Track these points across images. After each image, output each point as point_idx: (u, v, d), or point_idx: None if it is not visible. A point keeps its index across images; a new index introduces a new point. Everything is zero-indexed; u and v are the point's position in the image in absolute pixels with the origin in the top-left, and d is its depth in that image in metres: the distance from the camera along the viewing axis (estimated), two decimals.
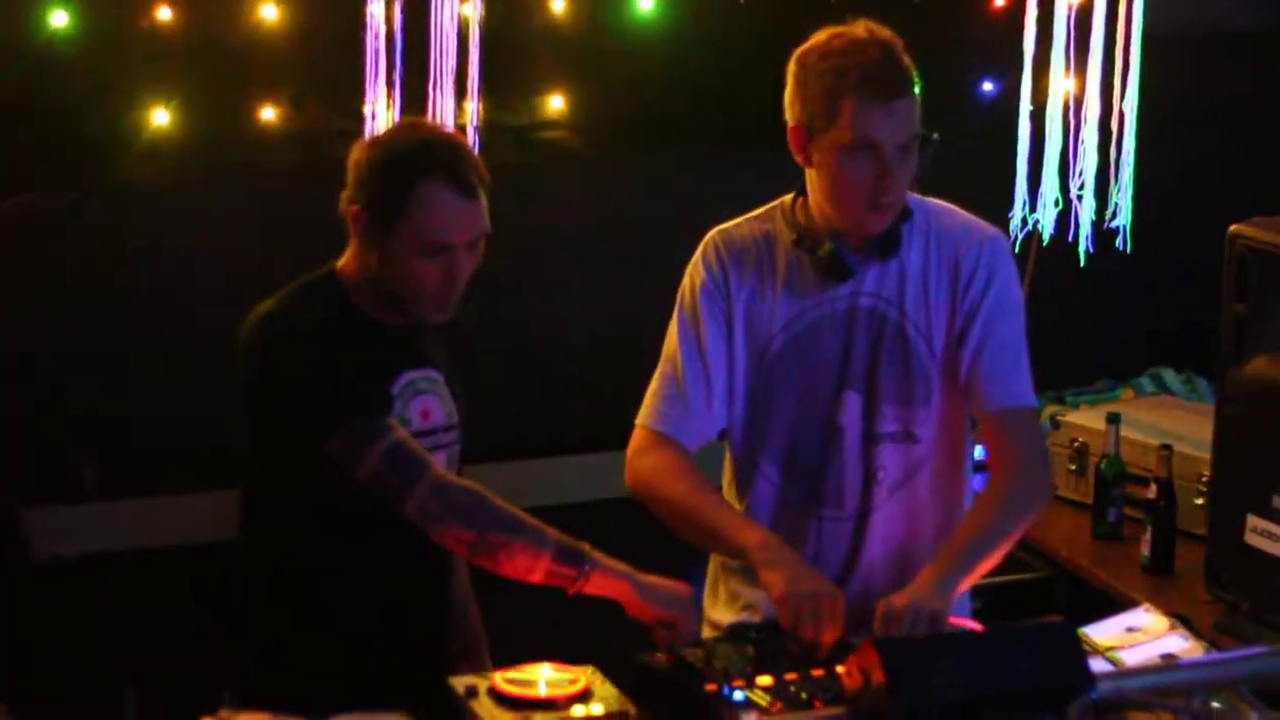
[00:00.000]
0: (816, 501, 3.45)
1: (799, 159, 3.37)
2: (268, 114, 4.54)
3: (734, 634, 3.32)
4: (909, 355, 3.41)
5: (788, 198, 3.46)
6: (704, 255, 3.46)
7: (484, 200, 3.23)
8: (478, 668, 3.36)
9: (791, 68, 3.36)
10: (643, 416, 3.45)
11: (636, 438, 3.45)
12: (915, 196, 3.45)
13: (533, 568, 3.15)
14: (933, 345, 3.42)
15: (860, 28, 3.33)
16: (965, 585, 3.27)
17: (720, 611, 3.54)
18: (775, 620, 3.20)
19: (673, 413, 3.42)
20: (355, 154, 3.25)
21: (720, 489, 3.51)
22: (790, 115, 3.35)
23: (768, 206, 3.48)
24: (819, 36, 3.35)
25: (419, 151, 3.21)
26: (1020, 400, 3.41)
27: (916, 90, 3.33)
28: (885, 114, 3.26)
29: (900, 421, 3.43)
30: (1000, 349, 3.41)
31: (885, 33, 3.34)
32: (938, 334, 3.42)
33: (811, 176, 3.38)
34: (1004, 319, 3.42)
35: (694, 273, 3.46)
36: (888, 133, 3.26)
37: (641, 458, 3.43)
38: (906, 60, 3.32)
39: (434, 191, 3.16)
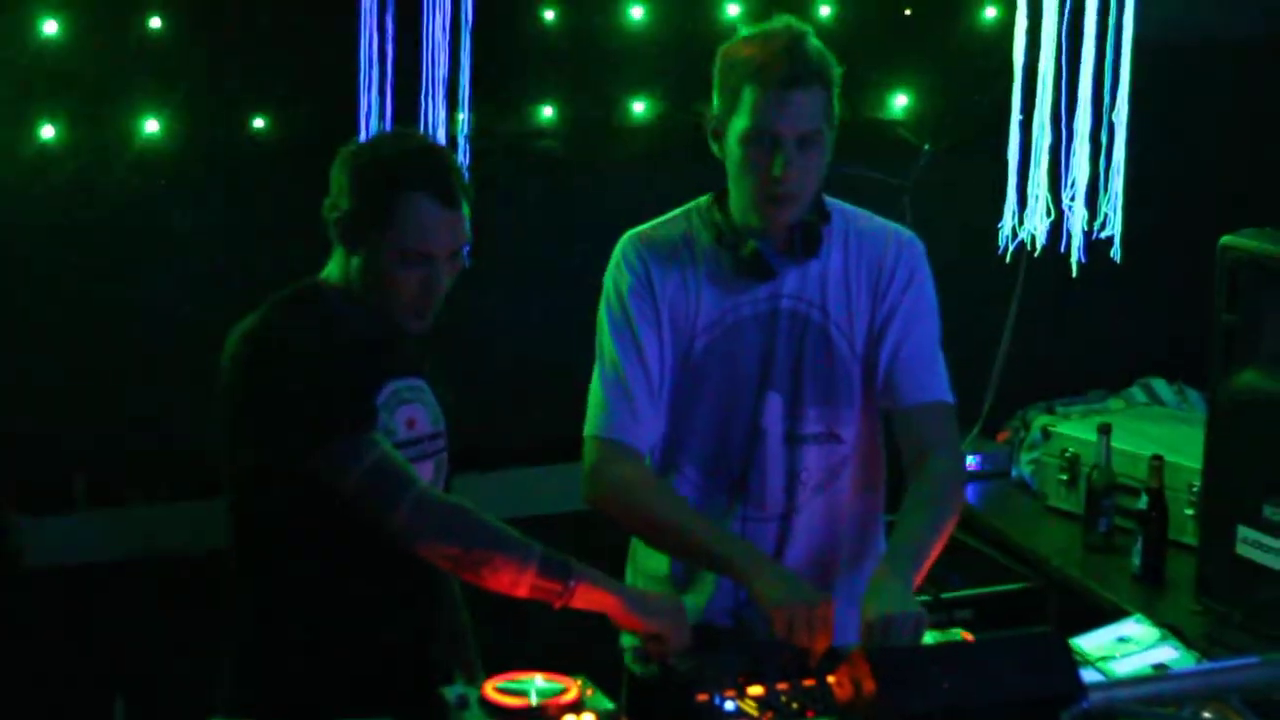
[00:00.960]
0: (740, 502, 3.46)
1: (714, 150, 3.40)
2: (259, 122, 4.54)
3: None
4: (832, 356, 3.44)
5: (704, 199, 3.48)
6: (624, 258, 3.45)
7: (466, 211, 3.23)
8: (469, 677, 3.36)
9: (716, 62, 3.39)
10: (593, 427, 3.42)
11: (592, 450, 3.41)
12: (834, 201, 3.48)
13: (517, 583, 3.14)
14: (854, 346, 3.45)
15: (778, 22, 3.36)
16: (917, 580, 3.28)
17: None
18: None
19: (624, 419, 3.39)
20: (339, 161, 3.25)
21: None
22: (716, 106, 3.38)
23: (682, 209, 3.49)
24: (741, 31, 3.39)
25: (403, 160, 3.21)
26: (937, 395, 3.45)
27: (828, 84, 3.33)
28: (781, 104, 3.28)
29: (823, 423, 3.46)
30: (917, 347, 3.45)
31: (800, 26, 3.35)
32: (859, 334, 3.45)
33: (728, 169, 3.40)
34: (921, 320, 3.47)
35: (617, 277, 3.44)
36: (784, 123, 3.28)
37: (603, 470, 3.40)
38: (815, 53, 3.32)
39: (417, 201, 3.16)
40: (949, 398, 3.47)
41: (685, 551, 3.39)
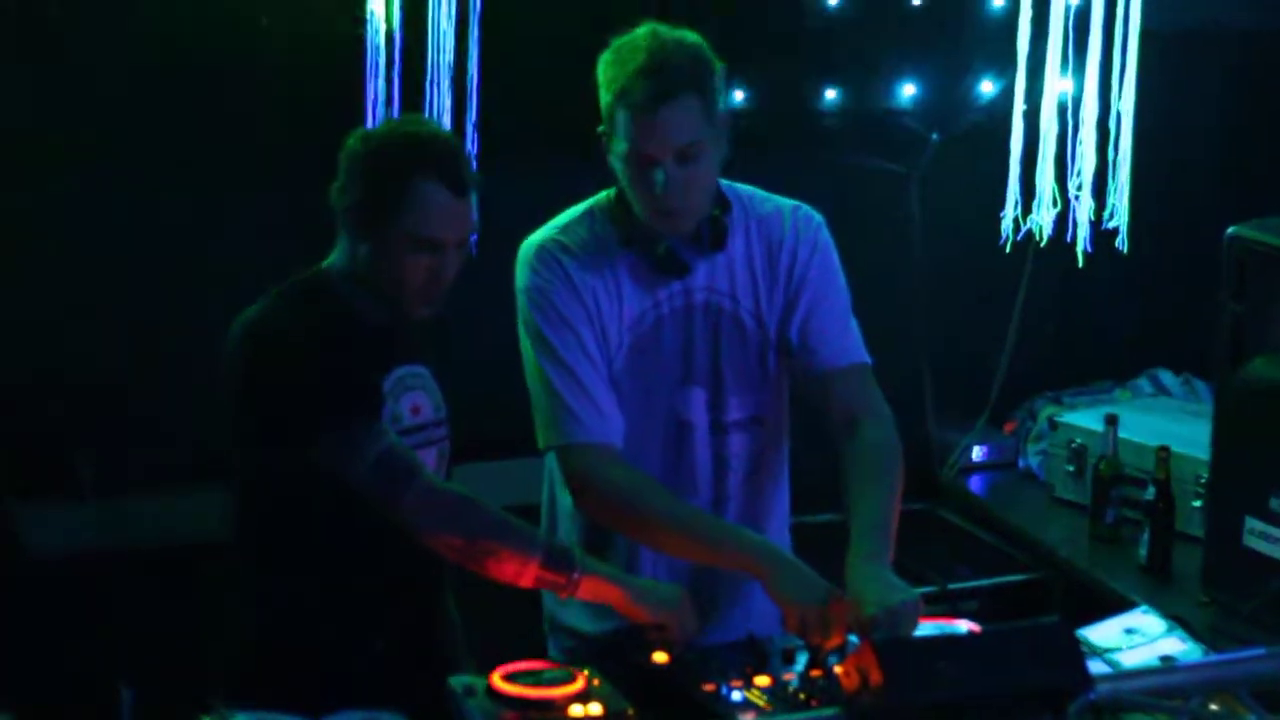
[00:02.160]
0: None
1: (608, 159, 3.36)
2: (270, 111, 4.54)
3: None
4: (746, 342, 3.44)
5: (602, 197, 3.44)
6: (541, 260, 3.37)
7: (473, 198, 3.23)
8: (457, 668, 3.37)
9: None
10: (562, 436, 3.33)
11: (573, 460, 3.33)
12: (730, 186, 3.46)
13: (521, 574, 3.15)
14: (767, 329, 3.45)
15: (642, 31, 3.29)
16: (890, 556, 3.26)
17: (576, 617, 3.50)
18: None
19: (590, 418, 3.33)
20: (347, 149, 3.25)
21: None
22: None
23: (580, 210, 3.45)
24: (616, 40, 3.32)
25: (413, 148, 3.21)
26: (855, 358, 3.46)
27: (703, 88, 3.26)
28: (649, 126, 3.23)
29: (746, 409, 3.46)
30: (829, 314, 3.45)
31: (665, 33, 3.28)
32: (771, 317, 3.45)
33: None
34: (829, 288, 3.46)
35: (540, 284, 3.36)
36: (656, 145, 3.24)
37: (596, 476, 3.32)
38: (681, 61, 3.25)
39: (427, 189, 3.16)
40: (867, 359, 3.47)
41: (694, 550, 3.34)
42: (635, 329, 3.39)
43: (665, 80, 3.22)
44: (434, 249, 3.18)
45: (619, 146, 3.28)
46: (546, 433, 3.35)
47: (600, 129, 3.33)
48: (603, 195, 3.45)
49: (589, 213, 3.44)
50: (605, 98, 3.29)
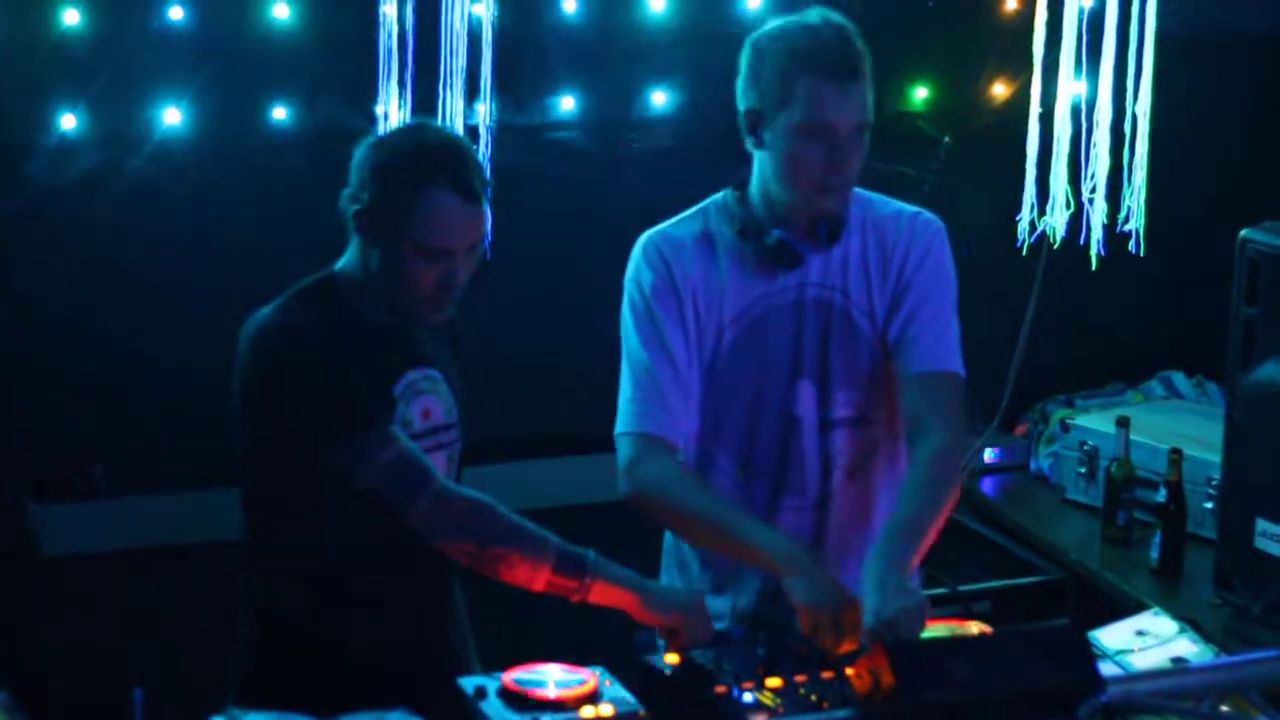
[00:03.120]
0: (777, 492, 3.47)
1: (750, 143, 3.38)
2: (279, 114, 4.54)
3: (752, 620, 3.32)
4: (857, 339, 3.45)
5: (719, 196, 3.48)
6: (645, 258, 3.44)
7: (484, 204, 3.23)
8: (468, 668, 3.38)
9: (745, 53, 3.37)
10: (626, 425, 3.40)
11: (627, 447, 3.40)
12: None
13: (533, 578, 3.16)
14: (877, 327, 3.45)
15: (814, 14, 3.35)
16: (914, 563, 3.27)
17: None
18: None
19: (657, 413, 3.38)
20: (359, 154, 3.25)
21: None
22: (743, 100, 3.37)
23: (697, 208, 3.49)
24: (774, 22, 3.38)
25: (423, 155, 3.20)
26: (945, 365, 3.43)
27: (870, 77, 3.33)
28: (840, 96, 3.28)
29: (854, 406, 3.47)
30: (930, 319, 3.44)
31: (841, 19, 3.35)
32: (880, 315, 3.46)
33: (762, 161, 3.39)
34: (935, 292, 3.47)
35: (639, 277, 3.43)
36: (842, 114, 3.29)
37: (639, 466, 3.38)
38: (861, 46, 3.33)
39: (437, 196, 3.16)
40: (959, 369, 3.45)
41: (721, 545, 3.38)
42: (739, 322, 3.42)
43: (856, 57, 3.31)
44: (444, 256, 3.18)
45: (791, 117, 3.29)
46: (617, 421, 3.42)
47: (748, 108, 3.34)
48: (719, 195, 3.48)
49: (703, 210, 3.48)
50: (775, 72, 3.30)
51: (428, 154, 3.20)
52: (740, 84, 3.38)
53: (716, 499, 3.38)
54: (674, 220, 3.49)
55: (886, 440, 3.50)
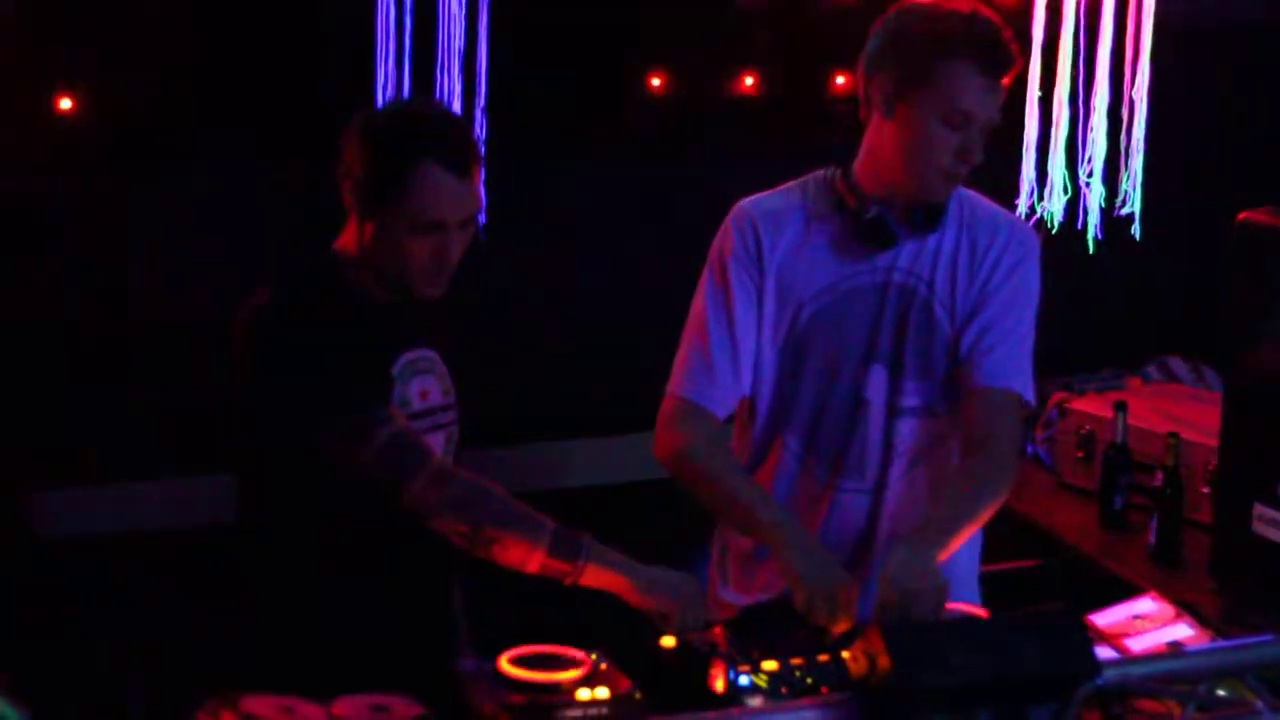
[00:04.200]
0: (837, 473, 3.48)
1: (869, 112, 3.39)
2: (276, 94, 4.53)
3: (749, 613, 3.31)
4: (933, 331, 3.44)
5: (820, 173, 3.48)
6: (735, 223, 3.46)
7: (477, 179, 3.22)
8: (465, 651, 3.38)
9: (889, 23, 3.37)
10: (672, 384, 3.45)
11: (666, 407, 3.45)
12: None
13: (526, 561, 3.16)
14: (955, 325, 3.45)
15: (965, 3, 3.37)
16: (941, 556, 3.25)
17: (731, 593, 3.53)
18: (785, 600, 3.20)
19: (701, 380, 3.41)
20: (352, 128, 3.25)
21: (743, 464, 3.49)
22: (873, 66, 3.37)
23: (797, 181, 3.50)
24: (913, 4, 3.37)
25: (414, 129, 3.21)
26: (1010, 384, 3.42)
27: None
28: (989, 90, 3.32)
29: (921, 396, 3.46)
30: (1006, 333, 3.43)
31: (991, 12, 3.38)
32: (960, 313, 3.45)
33: (883, 132, 3.38)
34: (1018, 308, 3.45)
35: (724, 241, 3.46)
36: (985, 107, 3.33)
37: (671, 428, 3.43)
38: (1012, 45, 3.35)
39: (428, 170, 3.16)
40: (1026, 392, 3.44)
41: (727, 514, 3.41)
42: (822, 298, 3.43)
43: (1012, 56, 3.35)
44: (437, 230, 3.18)
45: (935, 99, 3.30)
46: (670, 378, 3.45)
47: (882, 77, 3.34)
48: (821, 171, 3.49)
49: (803, 183, 3.49)
50: (925, 49, 3.31)
51: (419, 127, 3.21)
52: (872, 51, 3.38)
53: (725, 464, 3.39)
54: (773, 190, 3.50)
55: (950, 436, 3.49)
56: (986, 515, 3.34)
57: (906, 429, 3.47)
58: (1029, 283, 3.49)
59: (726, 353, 3.42)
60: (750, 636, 3.07)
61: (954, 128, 3.31)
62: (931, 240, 3.43)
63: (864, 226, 3.40)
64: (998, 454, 3.38)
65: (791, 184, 3.50)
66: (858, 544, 3.47)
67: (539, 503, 3.34)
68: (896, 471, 3.48)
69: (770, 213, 3.45)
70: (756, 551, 3.50)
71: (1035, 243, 3.52)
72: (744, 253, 3.43)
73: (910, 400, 3.46)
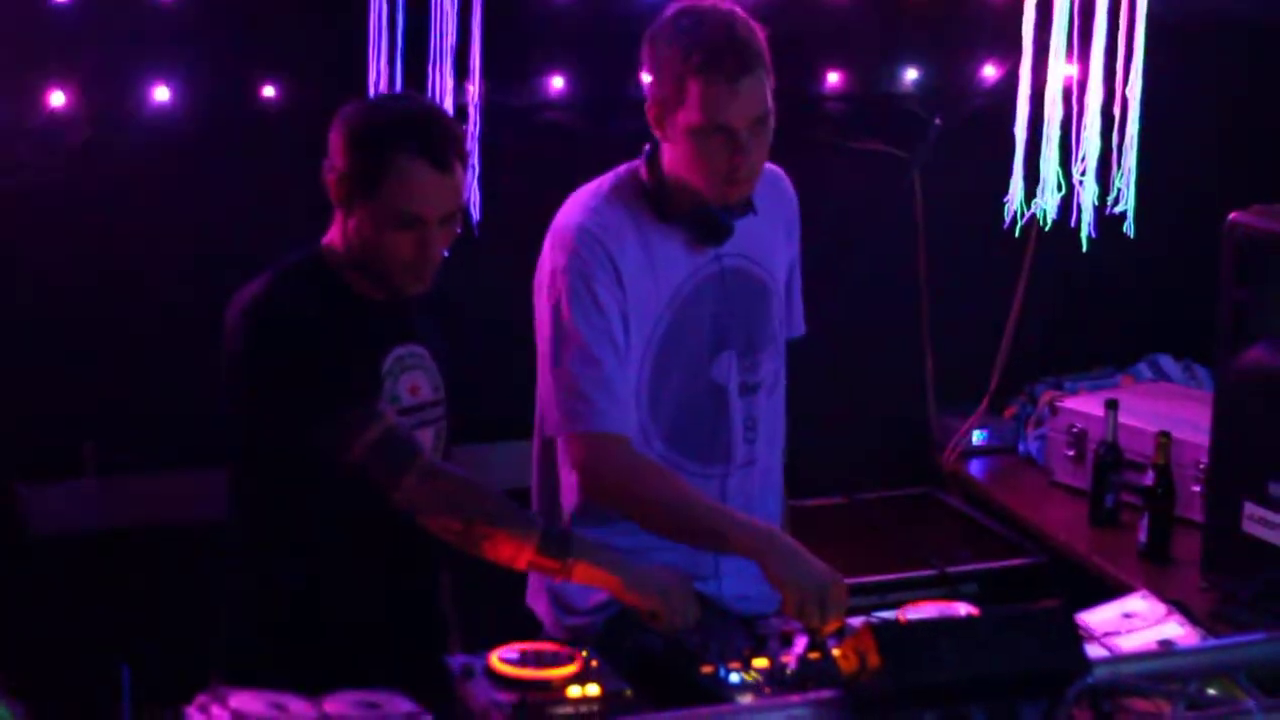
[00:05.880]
0: (710, 461, 3.49)
1: (655, 132, 3.38)
2: (269, 91, 4.53)
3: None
4: (767, 302, 3.53)
5: (626, 175, 3.45)
6: (585, 247, 3.36)
7: (460, 174, 3.22)
8: (454, 647, 3.38)
9: (645, 45, 3.37)
10: (575, 423, 3.33)
11: (584, 447, 3.33)
12: None
13: (516, 558, 3.17)
14: (779, 289, 3.56)
15: (706, 2, 3.33)
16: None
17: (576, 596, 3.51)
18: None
19: (610, 407, 3.33)
20: (335, 122, 3.25)
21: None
22: (648, 90, 3.38)
23: (612, 185, 3.45)
24: (669, 12, 3.35)
25: (395, 122, 3.21)
26: (801, 330, 3.72)
27: (766, 61, 3.32)
28: (730, 95, 3.27)
29: (769, 369, 3.55)
30: (798, 283, 3.66)
31: (728, 7, 3.33)
32: (780, 277, 3.56)
33: (668, 150, 3.38)
34: (798, 257, 3.65)
35: (581, 267, 3.35)
36: (735, 113, 3.28)
37: (601, 465, 3.33)
38: (751, 35, 3.31)
39: (407, 163, 3.16)
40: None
41: (696, 536, 3.34)
42: (673, 302, 3.42)
43: (746, 51, 3.27)
44: (418, 224, 3.18)
45: (687, 118, 3.29)
46: (561, 420, 3.34)
47: (649, 100, 3.36)
48: (625, 171, 3.46)
49: (615, 190, 3.43)
50: (672, 68, 3.29)
51: (399, 121, 3.21)
52: (644, 74, 3.39)
53: (682, 488, 3.34)
54: (593, 202, 3.43)
55: (783, 406, 3.66)
56: None
57: (763, 404, 3.56)
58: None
59: (620, 373, 3.35)
60: (740, 634, 3.08)
61: (718, 139, 3.28)
62: (749, 218, 3.47)
63: (702, 230, 3.41)
64: None
65: (607, 191, 3.44)
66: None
67: (529, 500, 3.34)
68: (761, 447, 3.56)
69: (608, 228, 3.37)
70: None
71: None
72: (602, 272, 3.34)
73: (761, 375, 3.54)
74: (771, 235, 3.53)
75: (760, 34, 3.33)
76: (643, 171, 3.42)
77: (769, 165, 3.49)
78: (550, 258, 3.40)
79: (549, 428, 3.39)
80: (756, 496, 3.55)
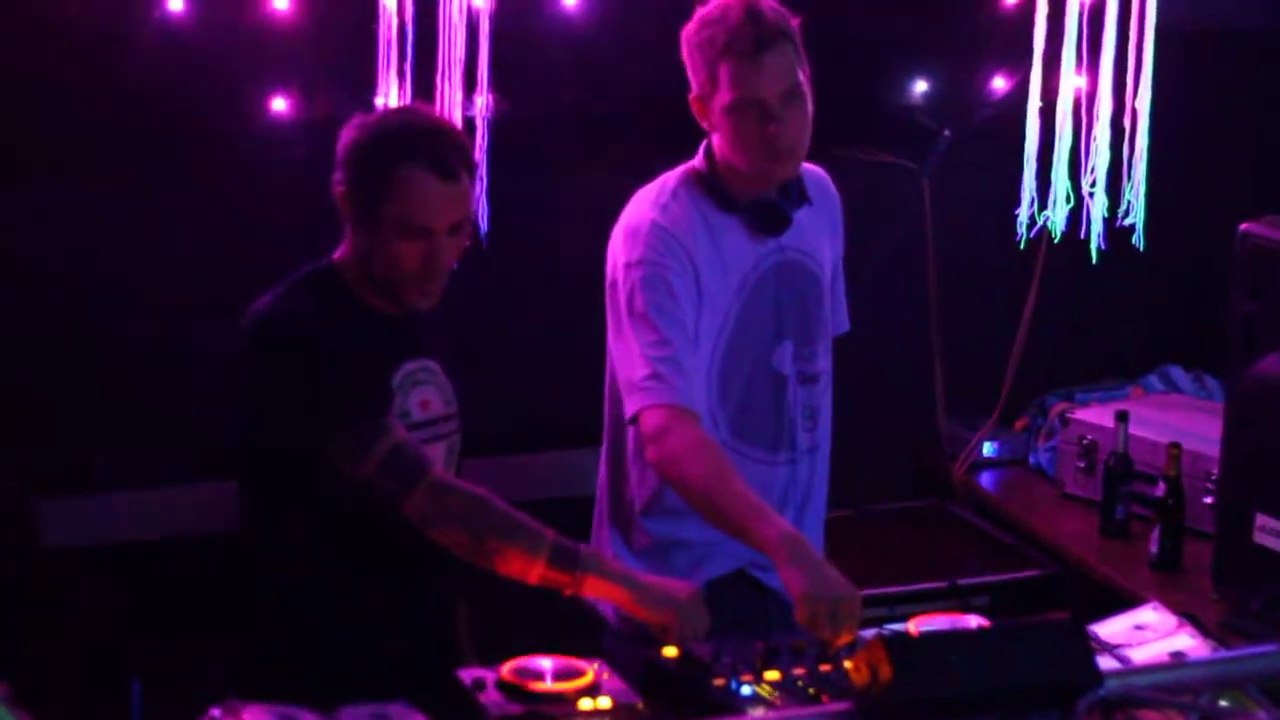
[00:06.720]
0: (775, 448, 3.59)
1: (703, 124, 3.53)
2: (279, 104, 4.54)
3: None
4: (821, 294, 3.64)
5: (684, 172, 3.57)
6: (660, 241, 3.48)
7: (466, 184, 3.22)
8: (467, 661, 3.38)
9: (682, 48, 3.51)
10: (649, 397, 3.41)
11: (655, 419, 3.41)
12: None
13: (527, 572, 3.17)
14: (828, 285, 3.67)
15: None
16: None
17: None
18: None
19: (682, 383, 3.42)
20: (344, 136, 3.26)
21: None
22: (692, 87, 3.51)
23: (675, 184, 3.56)
24: (696, 14, 3.51)
25: (401, 134, 3.22)
26: (845, 327, 3.80)
27: (792, 38, 3.46)
28: (755, 69, 3.41)
29: (825, 358, 3.66)
30: (840, 282, 3.76)
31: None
32: (828, 273, 3.67)
33: (716, 140, 3.52)
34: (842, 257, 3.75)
35: (655, 259, 3.46)
36: (763, 86, 3.41)
37: (663, 437, 3.40)
38: (772, 13, 3.45)
39: (414, 174, 3.17)
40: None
41: (725, 523, 3.38)
42: (741, 292, 3.53)
43: (765, 28, 3.42)
44: (425, 235, 3.18)
45: (723, 100, 3.44)
46: (637, 399, 3.42)
47: (692, 96, 3.50)
48: (683, 169, 3.58)
49: (679, 186, 3.56)
50: (701, 61, 3.46)
51: (405, 133, 3.21)
52: (689, 74, 3.52)
53: (722, 473, 3.37)
54: (661, 201, 3.54)
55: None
56: None
57: (821, 393, 3.66)
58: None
59: (693, 362, 3.45)
60: (751, 646, 3.07)
61: (752, 115, 3.42)
62: (800, 212, 3.59)
63: (762, 220, 3.54)
64: None
65: (668, 189, 3.56)
66: (801, 506, 3.63)
67: (543, 512, 3.34)
68: (821, 435, 3.66)
69: (681, 224, 3.50)
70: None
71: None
72: (678, 265, 3.47)
73: (819, 365, 3.64)
74: (820, 231, 3.65)
75: (789, 17, 3.47)
76: (701, 165, 3.56)
77: (813, 166, 3.66)
78: (623, 252, 3.51)
79: (628, 410, 3.46)
80: (819, 485, 3.69)
